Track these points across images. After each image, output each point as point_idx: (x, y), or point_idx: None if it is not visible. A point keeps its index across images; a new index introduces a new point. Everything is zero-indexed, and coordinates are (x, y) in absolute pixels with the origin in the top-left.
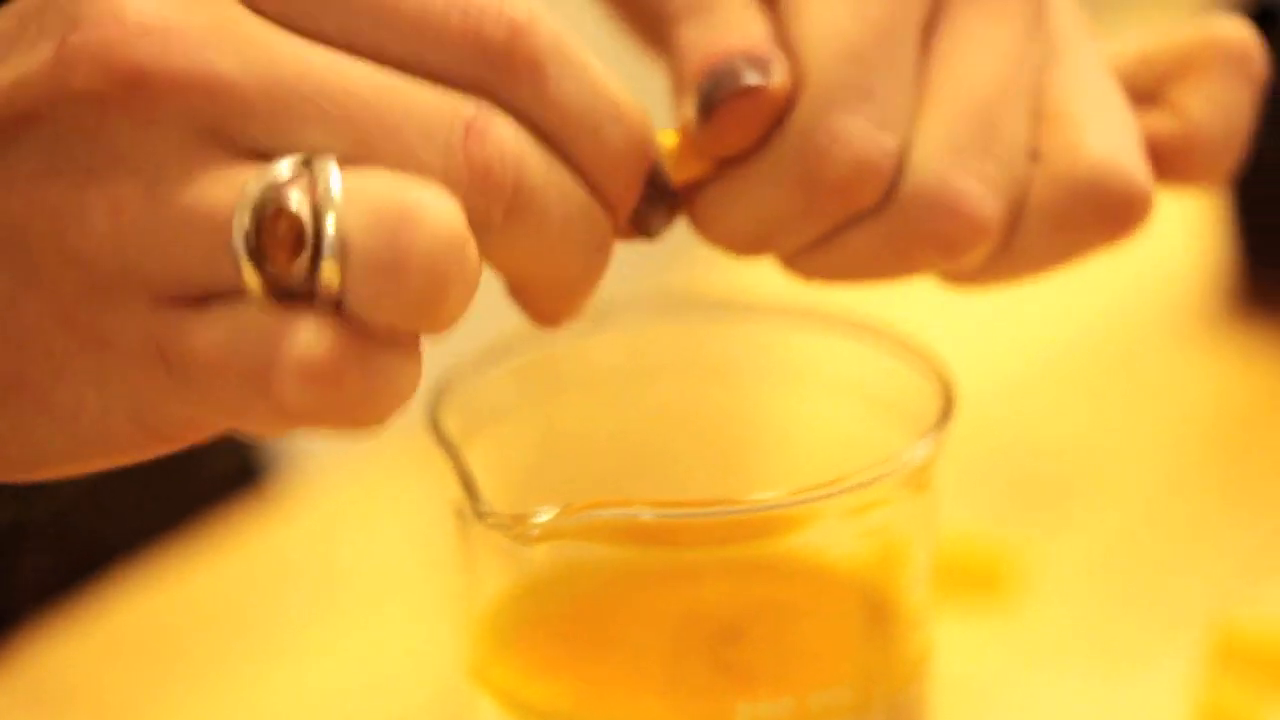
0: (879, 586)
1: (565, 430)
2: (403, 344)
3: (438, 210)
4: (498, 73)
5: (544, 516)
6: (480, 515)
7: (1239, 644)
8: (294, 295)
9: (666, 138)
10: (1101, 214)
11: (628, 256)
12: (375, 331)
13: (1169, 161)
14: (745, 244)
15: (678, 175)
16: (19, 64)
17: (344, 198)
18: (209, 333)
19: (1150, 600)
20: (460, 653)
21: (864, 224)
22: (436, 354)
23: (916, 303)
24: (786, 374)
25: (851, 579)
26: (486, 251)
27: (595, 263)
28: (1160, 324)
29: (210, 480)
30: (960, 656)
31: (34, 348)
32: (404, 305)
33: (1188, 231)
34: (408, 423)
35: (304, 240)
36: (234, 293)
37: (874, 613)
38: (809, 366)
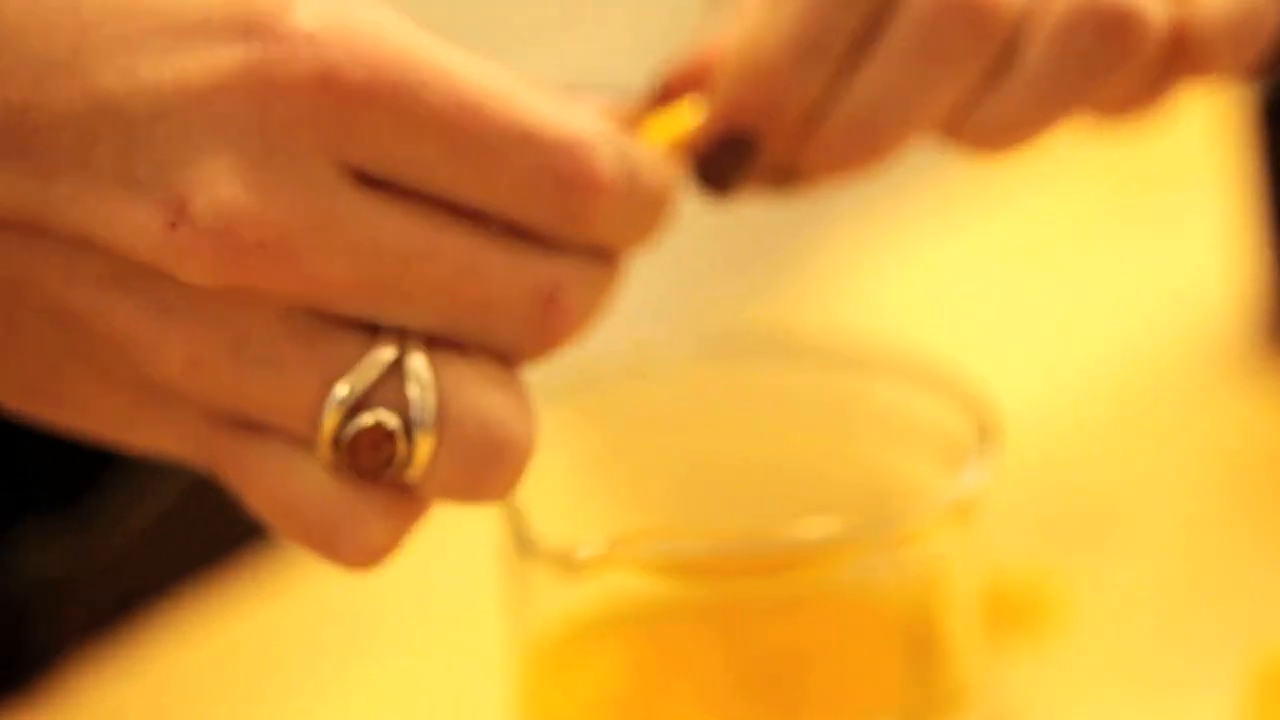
0: (926, 618)
1: (614, 467)
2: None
3: (524, 446)
4: (579, 230)
5: (593, 549)
6: (530, 548)
7: (1278, 674)
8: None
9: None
10: (1101, 29)
11: (676, 298)
12: None
13: (1175, 51)
14: (798, 50)
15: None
16: (102, 202)
17: (436, 423)
18: (271, 476)
19: (1190, 631)
20: (508, 686)
21: (891, 27)
22: None
23: (956, 340)
24: (832, 411)
25: (900, 610)
26: None
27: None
28: (1198, 358)
29: (256, 521)
30: (1003, 688)
31: (75, 396)
32: (473, 504)
33: (1224, 265)
34: None
35: (393, 452)
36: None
37: (921, 644)
38: (854, 403)
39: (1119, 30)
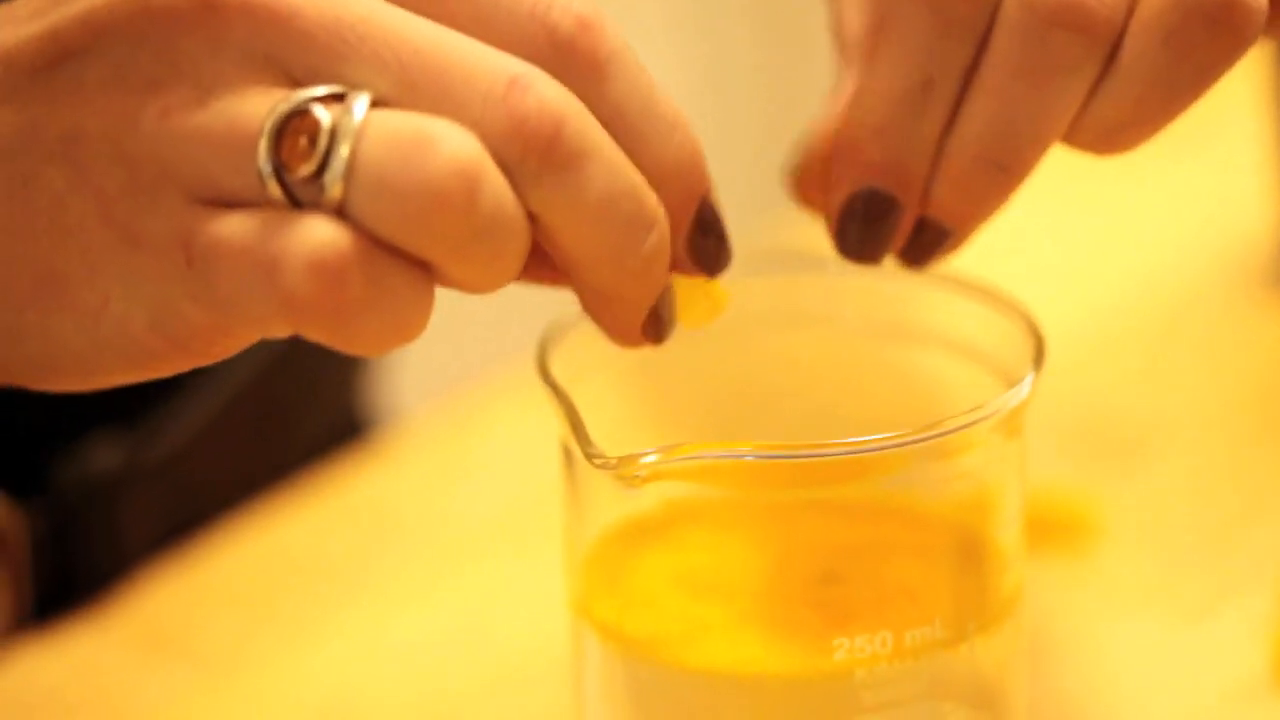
0: (972, 528)
1: (668, 378)
2: (412, 272)
3: (451, 140)
4: (560, 59)
5: (649, 458)
6: (588, 456)
7: None
8: (310, 205)
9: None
10: (1210, 21)
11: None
12: (384, 244)
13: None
14: (905, 101)
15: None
16: None
17: (365, 119)
18: (231, 223)
19: (1225, 550)
20: (565, 590)
21: (992, 50)
22: (543, 305)
23: (992, 265)
24: (882, 324)
25: (946, 521)
26: (531, 208)
27: (643, 255)
28: (1233, 280)
29: (315, 435)
30: (1043, 602)
31: (73, 245)
32: (404, 220)
33: (1258, 188)
34: (504, 377)
35: (318, 147)
36: (260, 202)
37: (967, 553)
38: (903, 317)
39: (1228, 19)
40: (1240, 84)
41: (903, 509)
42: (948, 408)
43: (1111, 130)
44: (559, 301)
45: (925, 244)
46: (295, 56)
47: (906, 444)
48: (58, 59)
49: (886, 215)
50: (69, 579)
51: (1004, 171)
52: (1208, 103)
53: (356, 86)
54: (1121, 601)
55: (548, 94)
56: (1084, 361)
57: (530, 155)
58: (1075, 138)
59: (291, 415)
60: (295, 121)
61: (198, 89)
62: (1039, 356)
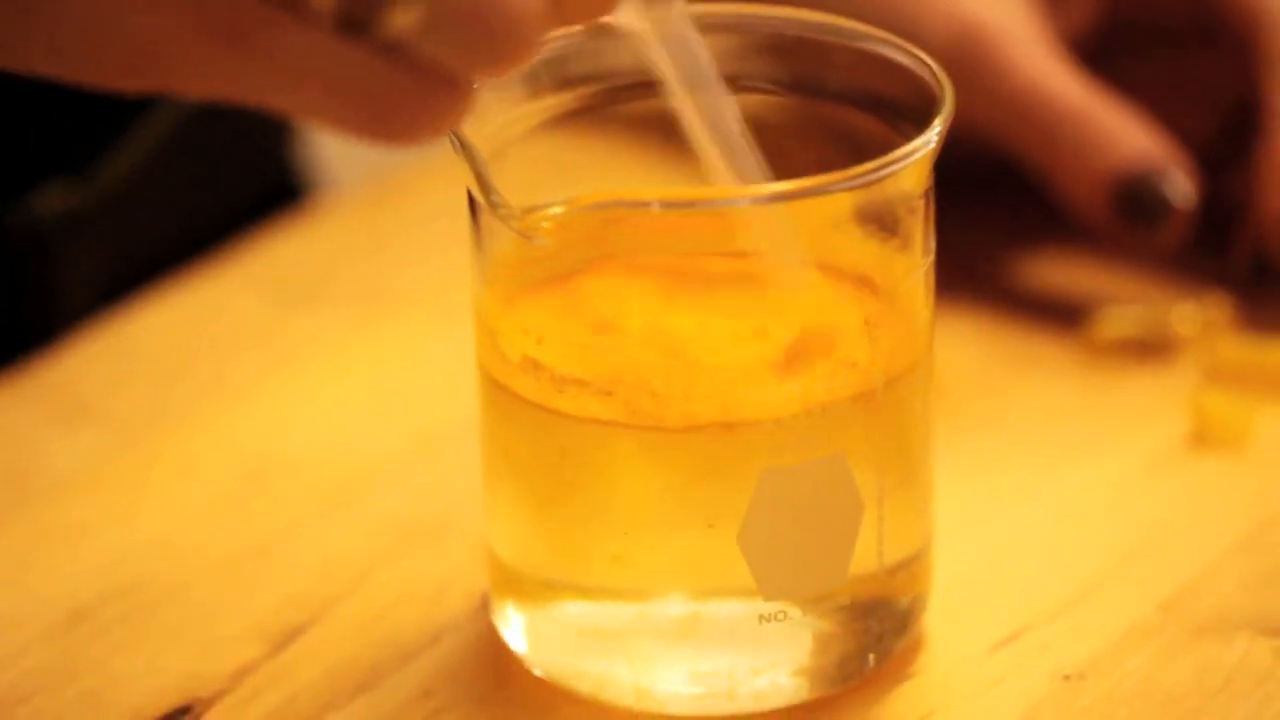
0: (883, 281)
1: (584, 143)
2: (456, 83)
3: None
4: None
5: (554, 209)
6: (492, 206)
7: (1228, 362)
8: (357, 27)
9: None
10: None
11: None
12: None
13: None
14: None
15: None
16: None
17: None
18: (296, 49)
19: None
20: (475, 345)
21: None
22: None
23: None
24: (789, 78)
25: (857, 273)
26: None
27: None
28: None
29: (250, 188)
30: (956, 362)
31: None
32: (477, 53)
33: None
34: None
35: None
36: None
37: (877, 307)
38: (811, 71)
39: None
40: None
41: (814, 261)
42: (856, 157)
43: None
44: None
45: None
46: None
47: (816, 192)
48: None
49: None
50: (31, 317)
51: None
52: None
53: None
54: (1041, 366)
55: None
56: None
57: None
58: None
59: (224, 162)
60: None
61: None
62: (946, 104)
